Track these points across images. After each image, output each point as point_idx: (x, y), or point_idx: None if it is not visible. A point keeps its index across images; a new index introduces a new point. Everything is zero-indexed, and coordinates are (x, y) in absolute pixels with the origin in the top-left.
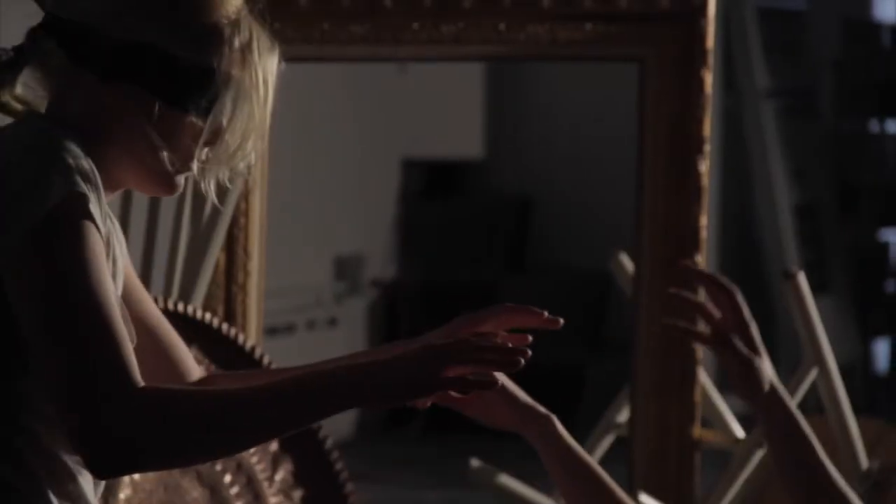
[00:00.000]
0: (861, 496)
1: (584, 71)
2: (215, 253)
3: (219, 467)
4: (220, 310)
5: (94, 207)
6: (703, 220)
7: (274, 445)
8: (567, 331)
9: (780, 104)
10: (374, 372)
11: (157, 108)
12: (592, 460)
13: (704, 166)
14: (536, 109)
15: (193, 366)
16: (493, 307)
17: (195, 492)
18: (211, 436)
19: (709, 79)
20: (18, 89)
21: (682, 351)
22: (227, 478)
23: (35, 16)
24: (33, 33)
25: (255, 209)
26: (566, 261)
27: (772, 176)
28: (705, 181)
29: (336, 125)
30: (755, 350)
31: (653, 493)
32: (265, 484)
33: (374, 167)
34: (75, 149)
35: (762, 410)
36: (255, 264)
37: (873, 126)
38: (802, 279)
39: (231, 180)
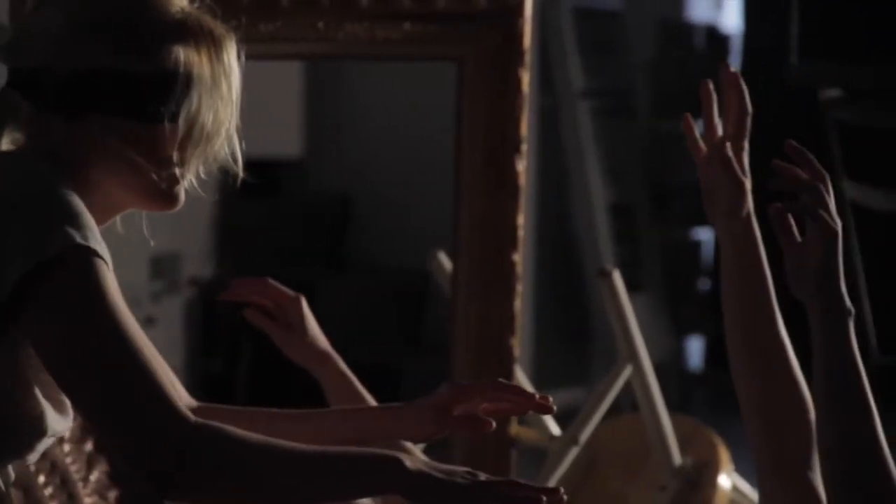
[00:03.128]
0: (674, 492)
1: (404, 69)
2: None
3: (32, 468)
4: None
5: (101, 247)
6: (521, 219)
7: (89, 445)
8: (385, 329)
9: (597, 104)
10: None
11: (129, 127)
12: (369, 397)
13: (522, 166)
14: (355, 108)
15: (184, 396)
16: (483, 382)
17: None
18: (265, 480)
19: (526, 78)
20: (4, 146)
21: (500, 349)
22: (41, 478)
23: None
24: (2, 92)
25: None
26: (385, 260)
27: (588, 175)
28: (523, 180)
29: None
30: (745, 174)
31: None
32: (80, 485)
33: None
34: (68, 188)
35: (731, 234)
36: None
37: None
38: (617, 277)
39: (210, 173)
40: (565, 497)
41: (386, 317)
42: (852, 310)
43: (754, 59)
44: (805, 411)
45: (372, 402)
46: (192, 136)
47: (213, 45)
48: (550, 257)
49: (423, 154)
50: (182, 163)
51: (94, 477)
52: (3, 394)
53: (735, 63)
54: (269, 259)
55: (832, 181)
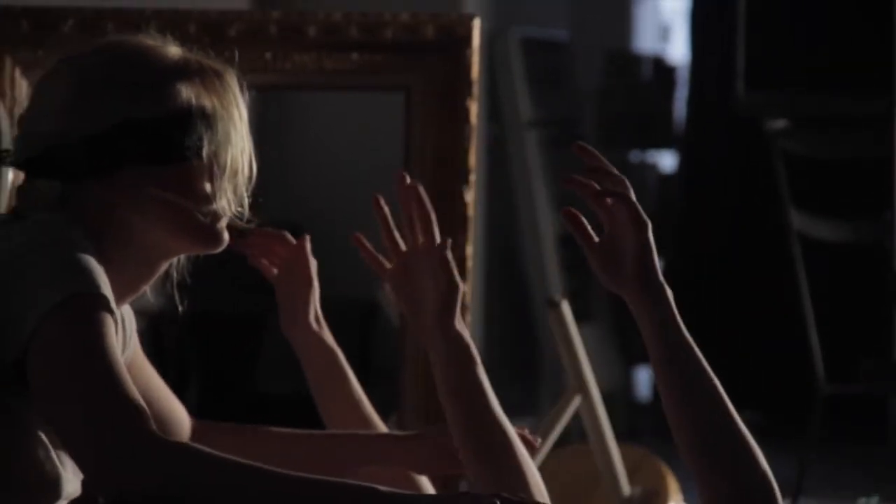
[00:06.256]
0: None
1: (352, 99)
2: None
3: None
4: None
5: (106, 291)
6: (470, 250)
7: None
8: None
9: (544, 134)
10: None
11: (160, 172)
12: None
13: (470, 196)
14: (303, 138)
15: (183, 417)
16: None
17: None
18: (217, 496)
19: (474, 109)
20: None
21: None
22: None
23: None
24: (21, 190)
25: None
26: (333, 289)
27: (536, 205)
28: (471, 211)
29: None
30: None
31: None
32: None
33: None
34: (83, 242)
35: (448, 340)
36: None
37: (634, 156)
38: (566, 308)
39: (243, 206)
40: None
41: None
42: (670, 292)
43: (701, 90)
44: (530, 465)
45: (355, 384)
46: (220, 168)
47: (217, 79)
48: (499, 287)
49: (372, 184)
50: (216, 197)
51: None
52: (23, 455)
53: (682, 93)
54: (217, 290)
55: (779, 211)
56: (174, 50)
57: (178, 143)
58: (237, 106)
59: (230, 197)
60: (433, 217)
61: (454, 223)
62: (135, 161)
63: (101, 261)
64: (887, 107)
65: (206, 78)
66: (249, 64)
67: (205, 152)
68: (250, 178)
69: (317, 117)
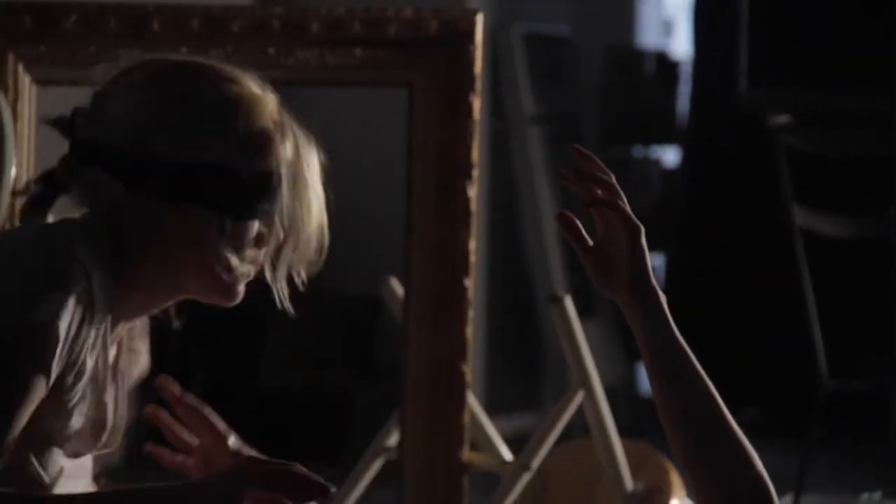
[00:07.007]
0: None
1: (355, 95)
2: None
3: None
4: None
5: (64, 318)
6: (473, 245)
7: None
8: (337, 356)
9: (547, 130)
10: (185, 492)
11: (225, 223)
12: None
13: (473, 191)
14: (306, 134)
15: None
16: None
17: None
18: None
19: (477, 105)
20: (50, 218)
21: (452, 375)
22: None
23: None
24: (69, 163)
25: None
26: (335, 286)
27: (539, 201)
28: (474, 206)
29: None
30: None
31: None
32: None
33: None
34: (97, 256)
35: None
36: None
37: (637, 152)
38: (569, 303)
39: (304, 274)
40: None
41: (337, 343)
42: (664, 297)
43: (703, 86)
44: None
45: None
46: (287, 236)
47: (305, 150)
48: (502, 283)
49: (375, 180)
50: (256, 262)
51: None
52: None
53: (685, 89)
54: None
55: (782, 206)
56: (272, 106)
57: (257, 205)
58: (314, 177)
59: (283, 261)
60: (206, 413)
61: (457, 219)
62: (205, 203)
63: (116, 277)
64: (890, 104)
65: (296, 148)
66: (252, 59)
67: (277, 218)
68: (319, 251)
69: (319, 113)
